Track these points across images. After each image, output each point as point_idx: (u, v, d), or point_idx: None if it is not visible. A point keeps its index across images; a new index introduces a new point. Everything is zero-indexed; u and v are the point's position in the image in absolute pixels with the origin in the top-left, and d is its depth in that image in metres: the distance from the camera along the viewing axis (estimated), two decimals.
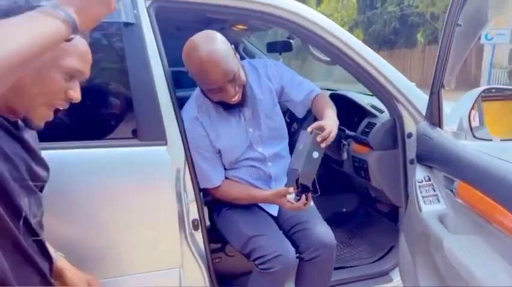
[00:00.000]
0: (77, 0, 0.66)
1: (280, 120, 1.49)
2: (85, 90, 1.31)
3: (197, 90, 1.42)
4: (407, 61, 16.11)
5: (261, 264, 1.26)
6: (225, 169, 1.43)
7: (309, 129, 1.23)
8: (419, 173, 1.35)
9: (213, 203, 1.51)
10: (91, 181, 1.22)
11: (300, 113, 1.55)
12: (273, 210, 1.45)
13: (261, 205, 1.44)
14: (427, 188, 1.30)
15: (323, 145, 1.21)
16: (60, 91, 0.79)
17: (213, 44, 1.21)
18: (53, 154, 1.19)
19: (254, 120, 1.43)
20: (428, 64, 14.73)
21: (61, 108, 0.82)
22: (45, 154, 1.18)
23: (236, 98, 1.30)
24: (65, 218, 1.20)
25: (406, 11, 15.44)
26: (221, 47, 1.22)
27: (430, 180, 1.32)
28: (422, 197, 1.28)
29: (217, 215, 1.47)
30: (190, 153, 1.35)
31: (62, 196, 1.18)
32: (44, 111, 0.79)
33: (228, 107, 1.35)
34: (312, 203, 1.51)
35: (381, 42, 17.66)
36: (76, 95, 0.82)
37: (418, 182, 1.33)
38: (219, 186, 1.40)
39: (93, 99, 1.32)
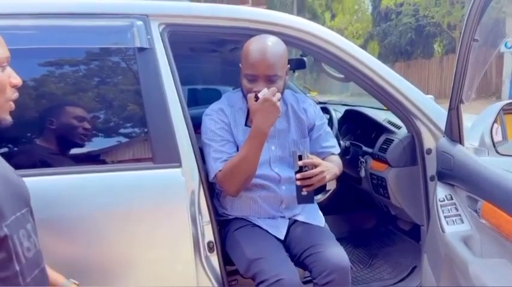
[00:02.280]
0: None
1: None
2: (100, 114, 1.36)
3: (231, 92, 1.49)
4: (424, 71, 15.90)
5: None
6: None
7: (301, 163, 1.24)
8: (440, 192, 1.31)
9: (221, 224, 1.49)
10: (106, 204, 1.22)
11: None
12: (280, 233, 1.41)
13: (267, 228, 1.41)
14: (449, 208, 1.25)
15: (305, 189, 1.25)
16: (5, 83, 0.87)
17: (278, 42, 1.34)
18: (70, 178, 1.22)
19: (280, 140, 1.43)
20: (447, 74, 14.49)
21: (14, 98, 0.91)
22: (61, 179, 1.21)
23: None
24: (79, 241, 1.20)
25: (421, 21, 15.31)
26: (279, 46, 1.34)
27: (452, 199, 1.27)
28: (445, 217, 1.23)
29: (225, 236, 1.44)
30: (205, 175, 1.34)
31: (77, 219, 1.19)
32: (5, 106, 0.89)
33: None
34: (324, 223, 1.48)
35: (397, 54, 17.53)
36: (17, 80, 0.90)
37: (440, 201, 1.28)
38: (220, 171, 1.34)
39: (107, 122, 1.35)
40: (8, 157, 0.94)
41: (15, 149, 1.28)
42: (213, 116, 1.40)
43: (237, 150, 1.39)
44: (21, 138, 1.27)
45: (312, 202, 1.32)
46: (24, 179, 1.17)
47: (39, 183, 1.19)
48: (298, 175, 1.23)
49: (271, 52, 1.30)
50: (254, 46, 1.31)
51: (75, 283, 1.02)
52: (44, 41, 1.27)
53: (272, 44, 1.32)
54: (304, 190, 1.26)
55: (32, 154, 1.26)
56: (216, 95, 2.87)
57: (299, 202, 1.31)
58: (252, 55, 1.30)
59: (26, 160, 1.23)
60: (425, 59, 16.29)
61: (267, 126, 1.26)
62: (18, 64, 1.26)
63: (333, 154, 1.51)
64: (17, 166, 0.92)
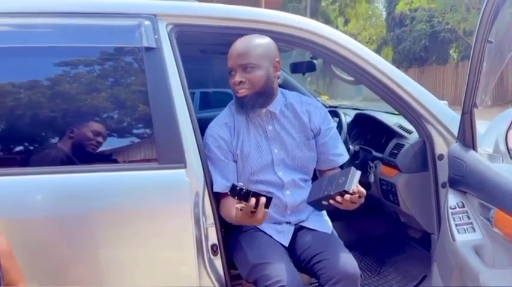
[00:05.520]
0: None
1: (310, 156, 1.44)
2: (106, 113, 1.36)
3: (234, 100, 1.45)
4: (439, 78, 15.69)
5: None
6: None
7: (355, 189, 1.16)
8: (451, 199, 1.26)
9: (225, 227, 1.47)
10: (110, 204, 1.22)
11: (319, 164, 1.48)
12: (284, 240, 1.38)
13: (271, 233, 1.38)
14: (460, 216, 1.21)
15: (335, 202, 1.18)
16: None
17: (258, 36, 1.36)
18: (74, 177, 1.22)
19: (281, 143, 1.40)
20: (462, 80, 14.27)
21: None
22: (65, 177, 1.21)
23: (240, 90, 1.33)
24: (82, 240, 1.20)
25: (436, 27, 15.13)
26: (258, 39, 1.35)
27: (464, 206, 1.23)
28: (456, 225, 1.19)
29: (229, 240, 1.42)
30: (209, 176, 1.33)
31: (81, 218, 1.19)
32: None
33: (242, 106, 1.35)
34: (331, 229, 1.45)
35: (412, 60, 17.36)
36: None
37: (451, 208, 1.24)
38: (223, 196, 1.33)
39: (113, 122, 1.34)
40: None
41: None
42: (213, 131, 1.38)
43: (235, 161, 1.38)
44: (18, 134, 1.27)
45: (320, 210, 1.31)
46: (27, 177, 1.19)
47: (43, 181, 1.19)
48: (348, 196, 1.15)
49: (244, 42, 1.33)
50: (234, 43, 1.34)
51: None
52: (51, 39, 1.27)
53: (249, 37, 1.34)
54: (331, 202, 1.19)
55: (37, 152, 1.26)
56: (227, 99, 2.87)
57: (309, 202, 1.28)
58: (229, 49, 1.33)
59: (27, 158, 1.24)
60: (440, 65, 16.09)
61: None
62: (23, 62, 1.28)
63: (341, 167, 1.46)
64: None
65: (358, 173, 1.18)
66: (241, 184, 1.15)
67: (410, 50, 17.00)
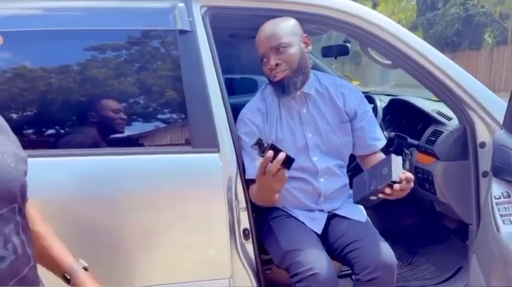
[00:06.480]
0: None
1: (345, 141, 1.40)
2: (140, 97, 1.36)
3: (265, 85, 1.44)
4: (472, 64, 15.04)
5: (297, 282, 1.18)
6: None
7: (403, 176, 1.10)
8: (496, 189, 1.21)
9: (257, 212, 1.46)
10: (143, 187, 1.23)
11: (357, 150, 1.44)
12: (317, 227, 1.36)
13: (304, 220, 1.36)
14: (506, 206, 1.15)
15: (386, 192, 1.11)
16: None
17: (278, 18, 1.35)
18: (109, 160, 1.23)
19: (315, 126, 1.38)
20: (497, 66, 13.63)
21: None
22: (101, 160, 1.23)
23: (276, 74, 1.31)
24: (116, 222, 1.22)
25: (471, 11, 14.42)
26: (283, 21, 1.34)
27: (509, 196, 1.17)
28: (501, 215, 1.14)
29: (261, 226, 1.42)
30: (242, 161, 1.32)
31: (116, 200, 1.21)
32: None
33: (283, 89, 1.32)
34: (365, 218, 1.42)
35: (443, 45, 16.68)
36: None
37: (495, 198, 1.18)
38: (252, 181, 1.29)
39: (147, 105, 1.35)
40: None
41: (51, 130, 1.30)
42: (244, 117, 1.37)
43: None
44: (60, 119, 1.29)
45: (370, 207, 1.25)
46: (67, 158, 1.21)
47: (81, 163, 1.22)
48: (397, 186, 1.08)
49: (270, 25, 1.32)
50: (260, 29, 1.34)
51: (84, 267, 0.87)
52: (85, 22, 1.28)
53: (273, 20, 1.34)
54: (380, 196, 1.13)
55: (70, 135, 1.28)
56: (251, 86, 2.84)
57: (357, 201, 1.23)
58: (257, 35, 1.33)
59: (68, 140, 1.27)
60: (474, 50, 15.40)
61: (268, 200, 1.28)
62: (56, 46, 1.29)
63: (378, 151, 1.42)
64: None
65: (399, 158, 1.12)
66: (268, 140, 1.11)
67: (442, 34, 16.31)
